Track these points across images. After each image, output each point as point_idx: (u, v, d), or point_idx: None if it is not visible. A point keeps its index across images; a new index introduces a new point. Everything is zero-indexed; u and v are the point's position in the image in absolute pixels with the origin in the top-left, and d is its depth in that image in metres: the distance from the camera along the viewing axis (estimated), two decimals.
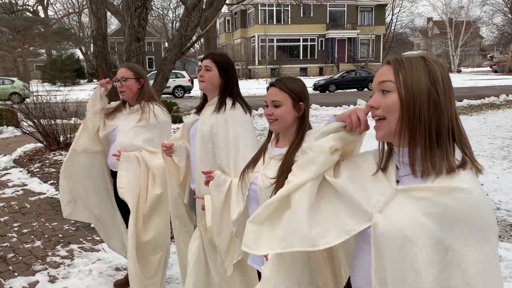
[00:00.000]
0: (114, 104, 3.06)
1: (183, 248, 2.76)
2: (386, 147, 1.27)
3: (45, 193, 5.54)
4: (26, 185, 5.95)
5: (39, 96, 8.06)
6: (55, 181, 5.95)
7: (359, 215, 1.21)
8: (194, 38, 6.47)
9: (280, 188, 1.57)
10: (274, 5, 38.42)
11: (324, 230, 1.24)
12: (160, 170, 2.79)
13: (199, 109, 2.53)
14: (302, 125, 1.74)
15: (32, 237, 4.16)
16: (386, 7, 44.78)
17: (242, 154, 2.16)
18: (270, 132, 1.84)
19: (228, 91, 2.42)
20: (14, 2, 38.93)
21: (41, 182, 6.03)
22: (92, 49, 40.98)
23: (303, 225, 1.25)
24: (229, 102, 2.41)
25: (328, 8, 39.76)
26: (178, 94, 24.30)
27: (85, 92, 24.44)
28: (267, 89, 1.79)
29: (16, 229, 4.36)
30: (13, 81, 23.34)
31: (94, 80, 41.73)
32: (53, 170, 6.47)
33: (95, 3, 4.94)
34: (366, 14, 42.79)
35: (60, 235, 4.19)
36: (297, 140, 1.71)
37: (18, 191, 5.67)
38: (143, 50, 4.88)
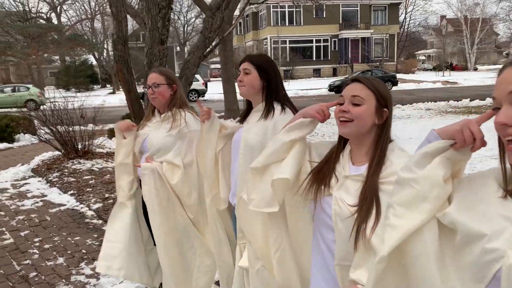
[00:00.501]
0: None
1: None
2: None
3: (65, 204, 5.33)
4: (46, 195, 5.75)
5: (56, 103, 7.89)
6: (75, 191, 5.74)
7: (487, 256, 0.93)
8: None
9: (362, 219, 1.28)
10: (286, 7, 38.19)
11: None
12: (181, 187, 2.56)
13: (243, 117, 2.27)
14: (382, 136, 1.44)
15: (55, 253, 3.93)
16: (400, 6, 44.20)
17: None
18: (341, 141, 1.51)
19: (273, 94, 2.17)
20: (28, 9, 39.32)
21: (60, 192, 5.83)
22: (105, 54, 41.23)
23: None
24: (277, 106, 2.15)
25: (340, 8, 39.38)
26: (192, 98, 24.17)
27: (99, 98, 24.51)
28: (346, 84, 1.48)
29: (37, 244, 4.14)
30: (28, 88, 23.41)
31: (107, 86, 41.88)
32: (73, 179, 6.27)
33: (115, 5, 4.71)
34: (380, 13, 42.30)
35: (84, 251, 3.96)
36: (378, 155, 1.40)
37: (37, 202, 5.47)
38: (166, 54, 4.64)
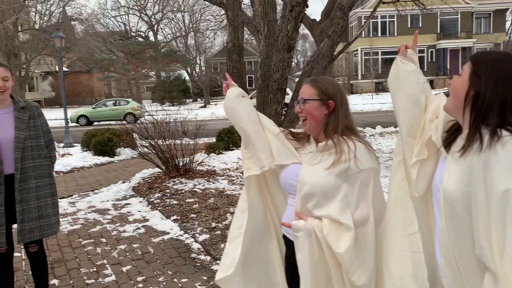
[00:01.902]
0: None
1: None
2: None
3: (169, 233, 4.78)
4: (148, 220, 5.28)
5: (156, 116, 7.59)
6: (178, 217, 5.20)
7: None
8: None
9: None
10: (379, 17, 36.46)
11: None
12: (348, 260, 1.70)
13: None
14: None
15: None
16: (507, 12, 40.15)
17: None
18: None
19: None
20: (129, 29, 42.07)
21: (163, 217, 5.33)
22: (197, 69, 42.59)
23: None
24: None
25: (439, 17, 36.68)
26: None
27: (192, 111, 24.94)
28: None
29: (140, 285, 3.55)
30: (128, 102, 24.52)
31: (198, 99, 43.16)
32: (175, 202, 5.77)
33: (232, 9, 4.09)
34: (483, 20, 38.89)
35: None
36: None
37: (139, 228, 5.00)
38: (291, 63, 3.89)
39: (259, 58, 4.72)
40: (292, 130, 2.05)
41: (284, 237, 2.01)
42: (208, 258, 4.06)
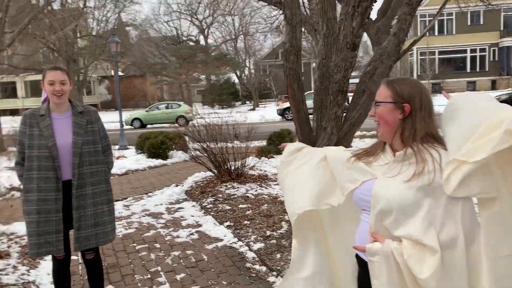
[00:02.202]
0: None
1: None
2: None
3: (222, 240, 4.65)
4: (201, 225, 5.18)
5: (207, 119, 7.54)
6: (231, 223, 5.06)
7: None
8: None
9: None
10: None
11: None
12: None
13: None
14: None
15: None
16: None
17: None
18: None
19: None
20: (180, 33, 43.00)
21: (216, 223, 5.21)
22: (246, 72, 42.83)
23: None
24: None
25: (502, 13, 34.51)
26: (288, 116, 23.45)
27: (242, 114, 25.00)
28: None
29: None
30: (180, 105, 24.98)
31: (247, 102, 43.33)
32: (228, 207, 5.64)
33: (290, 8, 3.89)
34: None
35: None
36: None
37: (192, 233, 4.90)
38: (354, 63, 3.63)
39: (316, 59, 4.49)
40: (359, 151, 1.80)
41: (357, 256, 1.78)
42: (264, 268, 3.88)
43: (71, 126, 2.73)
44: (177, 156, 10.85)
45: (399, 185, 1.53)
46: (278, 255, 4.06)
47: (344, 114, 4.28)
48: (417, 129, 1.58)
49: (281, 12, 13.81)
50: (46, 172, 2.65)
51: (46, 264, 4.04)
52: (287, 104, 24.91)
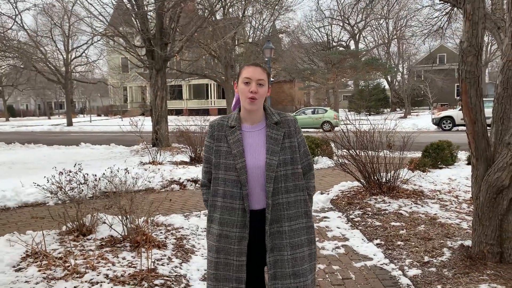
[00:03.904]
0: None
1: None
2: None
3: (372, 259, 4.24)
4: (347, 239, 4.85)
5: (354, 126, 7.14)
6: (382, 242, 4.62)
7: None
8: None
9: None
10: None
11: None
12: None
13: None
14: None
15: None
16: None
17: None
18: None
19: None
20: (331, 39, 42.89)
21: (364, 238, 4.82)
22: (399, 77, 40.56)
23: None
24: None
25: None
26: (446, 126, 21.18)
27: (393, 122, 23.68)
28: None
29: None
30: (326, 111, 24.83)
31: (397, 109, 41.04)
32: (378, 223, 5.19)
33: (471, 1, 3.32)
34: None
35: None
36: None
37: (339, 247, 4.61)
38: None
39: (499, 61, 3.80)
40: None
41: None
42: None
43: (264, 141, 2.17)
44: (322, 162, 10.65)
45: None
46: (439, 286, 3.51)
47: None
48: None
49: (445, 12, 12.51)
50: (231, 201, 2.13)
51: (197, 259, 4.20)
52: (445, 113, 22.74)
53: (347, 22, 42.92)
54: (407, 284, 3.65)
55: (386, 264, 4.10)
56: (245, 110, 2.19)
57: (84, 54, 35.84)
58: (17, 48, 20.94)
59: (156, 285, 3.50)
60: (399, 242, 4.53)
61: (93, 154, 14.08)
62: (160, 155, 10.89)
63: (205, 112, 39.91)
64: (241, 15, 27.88)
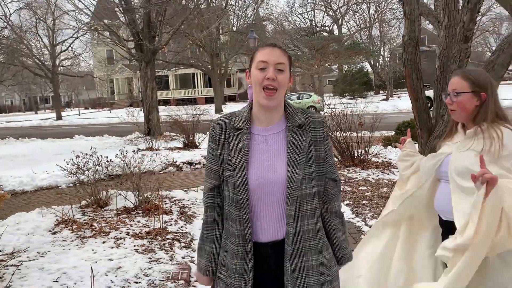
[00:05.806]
0: None
1: None
2: None
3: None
4: None
5: (334, 109, 8.06)
6: (350, 202, 5.57)
7: None
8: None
9: None
10: None
11: None
12: None
13: None
14: None
15: None
16: None
17: None
18: None
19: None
20: (314, 24, 43.66)
21: None
22: (380, 61, 41.65)
23: None
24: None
25: None
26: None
27: (372, 104, 24.68)
28: None
29: None
30: (310, 96, 25.76)
31: (380, 92, 42.18)
32: (348, 188, 6.15)
33: (409, 3, 4.22)
34: None
35: None
36: None
37: None
38: (469, 53, 3.83)
39: (438, 47, 4.71)
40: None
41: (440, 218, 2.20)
42: None
43: (283, 149, 1.62)
44: None
45: (471, 158, 1.94)
46: None
47: None
48: (488, 112, 1.97)
49: None
50: (231, 224, 1.66)
51: (199, 222, 5.09)
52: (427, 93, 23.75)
53: (330, 7, 43.69)
54: (368, 231, 4.60)
55: (352, 218, 5.05)
56: (259, 106, 1.64)
57: (70, 48, 36.10)
58: (5, 45, 21.37)
59: (168, 238, 4.39)
60: (364, 202, 5.49)
61: (88, 145, 14.69)
62: (156, 142, 11.73)
63: (193, 101, 40.60)
64: (224, 5, 28.50)
